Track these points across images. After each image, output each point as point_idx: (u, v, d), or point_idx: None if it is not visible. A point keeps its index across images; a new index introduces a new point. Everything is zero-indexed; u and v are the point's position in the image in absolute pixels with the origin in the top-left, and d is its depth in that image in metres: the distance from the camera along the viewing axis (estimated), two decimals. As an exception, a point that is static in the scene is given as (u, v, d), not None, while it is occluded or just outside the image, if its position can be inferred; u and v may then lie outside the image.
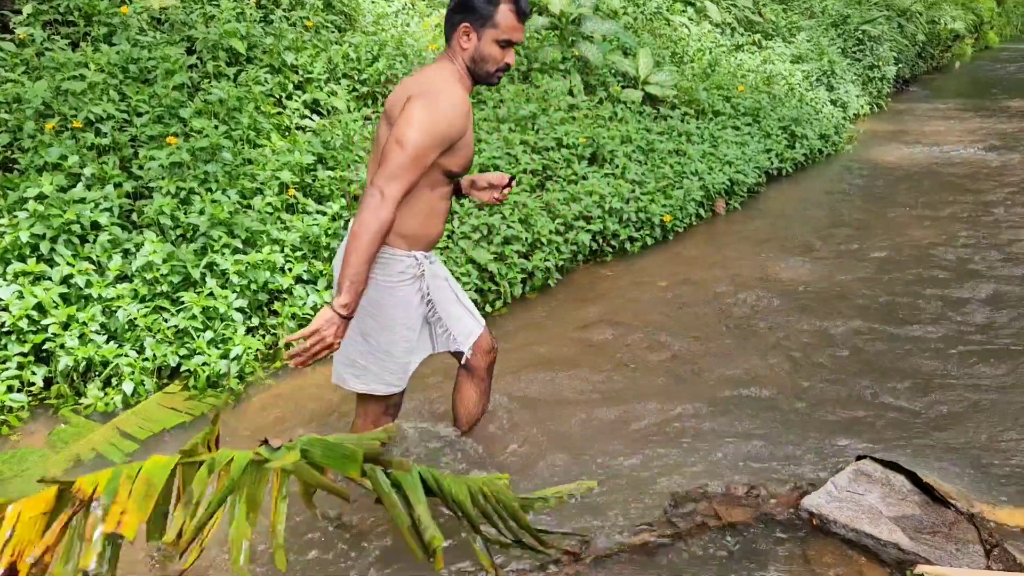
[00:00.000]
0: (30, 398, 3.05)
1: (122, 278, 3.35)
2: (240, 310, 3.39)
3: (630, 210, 4.99)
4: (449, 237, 4.08)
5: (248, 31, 4.72)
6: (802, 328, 3.95)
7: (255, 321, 3.46)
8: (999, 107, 10.55)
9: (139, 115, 4.00)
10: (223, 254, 3.46)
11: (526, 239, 4.32)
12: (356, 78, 5.14)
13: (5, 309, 3.09)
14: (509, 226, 4.26)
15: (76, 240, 3.31)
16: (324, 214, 3.93)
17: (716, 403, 3.25)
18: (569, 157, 5.17)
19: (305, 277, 3.68)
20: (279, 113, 4.57)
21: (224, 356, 3.23)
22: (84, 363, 3.09)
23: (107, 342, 3.16)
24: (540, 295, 4.34)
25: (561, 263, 4.49)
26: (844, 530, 2.38)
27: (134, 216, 3.60)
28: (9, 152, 3.71)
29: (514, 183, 2.55)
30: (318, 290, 3.61)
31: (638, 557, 2.34)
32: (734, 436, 3.01)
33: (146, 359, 3.16)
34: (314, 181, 4.11)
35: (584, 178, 5.08)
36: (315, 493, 2.02)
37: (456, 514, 2.14)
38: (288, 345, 3.35)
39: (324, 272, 3.71)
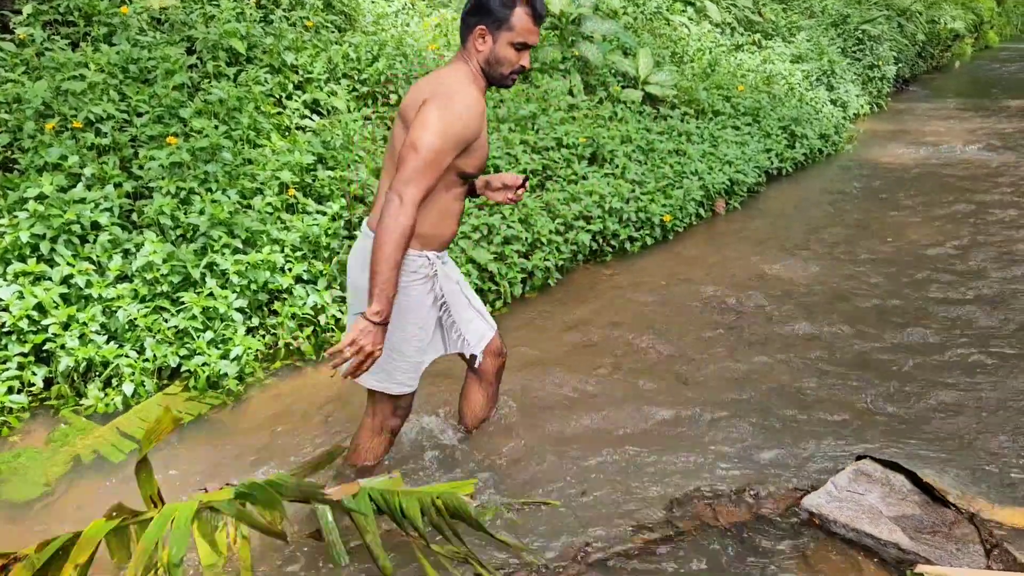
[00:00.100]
0: (30, 399, 3.05)
1: (122, 278, 3.35)
2: (240, 310, 3.39)
3: (630, 210, 4.99)
4: (449, 237, 4.08)
5: (248, 31, 4.72)
6: (802, 328, 3.95)
7: (255, 321, 3.46)
8: (999, 107, 10.55)
9: (139, 115, 4.00)
10: (223, 254, 3.46)
11: (526, 239, 4.32)
12: (356, 78, 5.14)
13: (5, 309, 3.09)
14: (509, 226, 4.26)
15: (76, 240, 3.31)
16: (324, 214, 3.93)
17: (716, 403, 3.25)
18: (569, 157, 5.17)
19: (305, 277, 3.68)
20: (279, 113, 4.57)
21: (224, 356, 3.23)
22: (84, 364, 3.09)
23: (107, 342, 3.16)
24: (540, 295, 4.34)
25: (561, 263, 4.49)
26: (844, 530, 2.38)
27: (134, 216, 3.60)
28: (9, 152, 3.71)
29: (527, 183, 2.55)
30: (318, 290, 3.61)
31: (638, 558, 2.34)
32: (734, 436, 3.01)
33: (146, 360, 3.16)
34: (314, 181, 4.12)
35: (584, 178, 5.09)
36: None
37: (405, 531, 2.14)
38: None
39: (324, 272, 3.71)
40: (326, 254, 3.82)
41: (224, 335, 3.28)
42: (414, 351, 2.42)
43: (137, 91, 4.03)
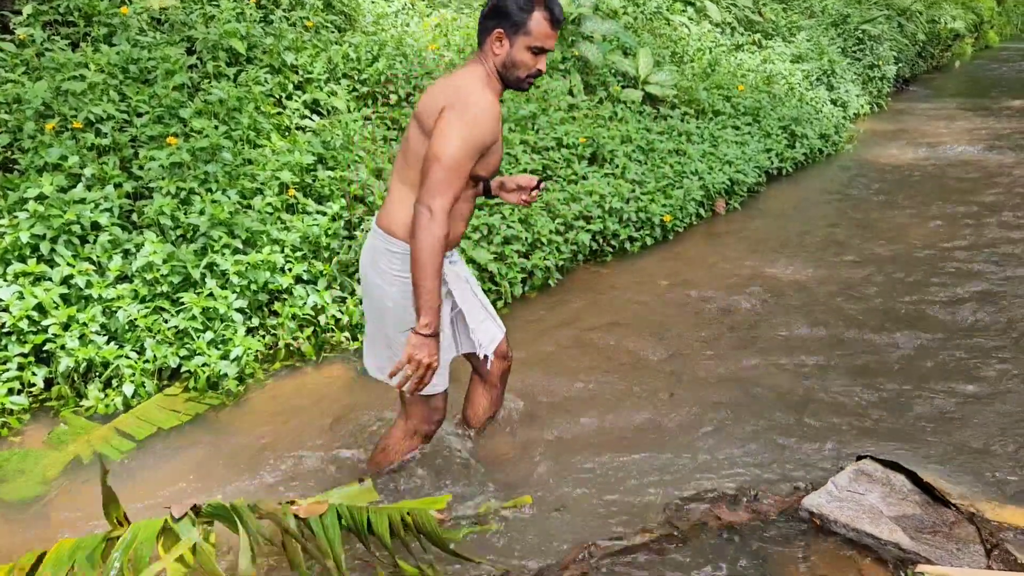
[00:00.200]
0: (31, 400, 3.05)
1: (122, 278, 3.35)
2: (240, 310, 3.39)
3: (630, 210, 4.99)
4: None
5: (248, 31, 4.72)
6: (802, 328, 3.95)
7: (255, 322, 3.46)
8: (999, 107, 10.54)
9: (139, 115, 4.00)
10: (223, 254, 3.46)
11: (526, 239, 4.32)
12: (356, 78, 5.13)
13: (5, 310, 3.09)
14: (509, 226, 4.26)
15: (76, 240, 3.31)
16: (324, 214, 3.93)
17: (716, 403, 3.25)
18: (569, 157, 5.17)
19: (305, 277, 3.68)
20: (279, 113, 4.57)
21: (224, 357, 3.23)
22: (84, 364, 3.09)
23: (107, 343, 3.16)
24: (540, 295, 4.34)
25: (561, 263, 4.49)
26: (845, 530, 2.38)
27: (134, 216, 3.60)
28: (9, 153, 3.71)
29: (543, 186, 2.56)
30: (318, 290, 3.61)
31: (639, 559, 2.34)
32: (734, 436, 3.01)
33: (146, 360, 3.16)
34: (314, 181, 4.11)
35: (584, 178, 5.08)
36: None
37: (368, 547, 2.13)
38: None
39: (324, 272, 3.71)
40: (326, 254, 3.82)
41: (224, 335, 3.28)
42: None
43: (137, 91, 4.03)
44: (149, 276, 3.29)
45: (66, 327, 3.12)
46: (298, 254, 3.71)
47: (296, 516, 2.06)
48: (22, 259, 3.22)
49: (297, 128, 4.60)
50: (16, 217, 3.24)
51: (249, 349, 3.26)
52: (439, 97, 2.21)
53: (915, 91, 11.98)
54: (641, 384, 3.41)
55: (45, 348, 3.08)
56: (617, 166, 5.34)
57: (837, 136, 7.92)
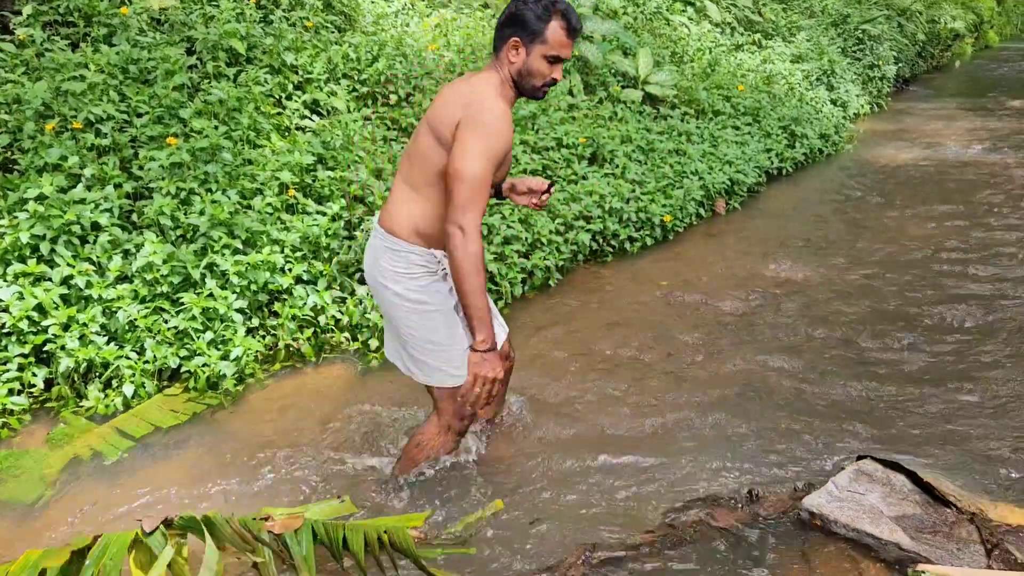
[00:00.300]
0: (31, 400, 3.05)
1: (122, 279, 3.35)
2: (240, 311, 3.39)
3: (630, 210, 4.99)
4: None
5: (248, 31, 4.72)
6: (802, 328, 3.95)
7: (255, 322, 3.46)
8: (999, 107, 10.54)
9: (139, 116, 4.00)
10: (223, 255, 3.46)
11: (526, 239, 4.32)
12: (356, 78, 5.13)
13: (5, 310, 3.09)
14: (509, 226, 4.26)
15: (76, 241, 3.31)
16: (324, 214, 3.93)
17: (716, 403, 3.25)
18: (569, 157, 5.17)
19: (305, 277, 3.68)
20: (279, 113, 4.57)
21: (224, 357, 3.23)
22: (84, 365, 3.09)
23: (107, 343, 3.15)
24: (540, 295, 4.33)
25: (561, 263, 4.48)
26: (845, 530, 2.38)
27: (134, 217, 3.60)
28: (9, 153, 3.71)
29: (553, 189, 2.57)
30: (318, 291, 3.61)
31: (639, 560, 2.34)
32: (734, 436, 3.01)
33: (146, 361, 3.16)
34: (314, 181, 4.11)
35: (584, 178, 5.08)
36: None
37: (341, 566, 2.12)
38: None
39: (324, 272, 3.71)
40: (326, 255, 3.82)
41: (224, 336, 3.28)
42: (449, 338, 2.38)
43: (137, 92, 4.03)
44: (149, 276, 3.29)
45: (66, 327, 3.12)
46: (298, 254, 3.71)
47: (270, 532, 2.05)
48: (22, 259, 3.22)
49: (297, 128, 4.60)
50: (16, 217, 3.24)
51: (249, 349, 3.26)
52: (454, 107, 2.20)
53: (915, 91, 11.98)
54: (641, 384, 3.41)
55: (45, 348, 3.08)
56: (617, 166, 5.34)
57: (837, 136, 7.92)
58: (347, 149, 4.38)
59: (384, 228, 2.35)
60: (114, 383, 3.13)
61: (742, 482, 2.72)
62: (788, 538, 2.41)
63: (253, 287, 3.44)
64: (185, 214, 3.55)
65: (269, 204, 3.81)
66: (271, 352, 3.51)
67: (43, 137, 3.61)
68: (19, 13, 4.39)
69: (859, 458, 2.68)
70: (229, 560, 2.09)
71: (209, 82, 4.39)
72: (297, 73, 4.90)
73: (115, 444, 2.90)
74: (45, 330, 3.08)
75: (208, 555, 1.89)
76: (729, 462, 2.84)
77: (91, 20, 4.47)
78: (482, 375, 2.23)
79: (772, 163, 6.75)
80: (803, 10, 10.86)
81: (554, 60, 2.24)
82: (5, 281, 3.13)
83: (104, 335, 3.16)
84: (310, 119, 4.71)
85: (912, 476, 2.56)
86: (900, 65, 11.40)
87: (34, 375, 3.05)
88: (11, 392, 2.99)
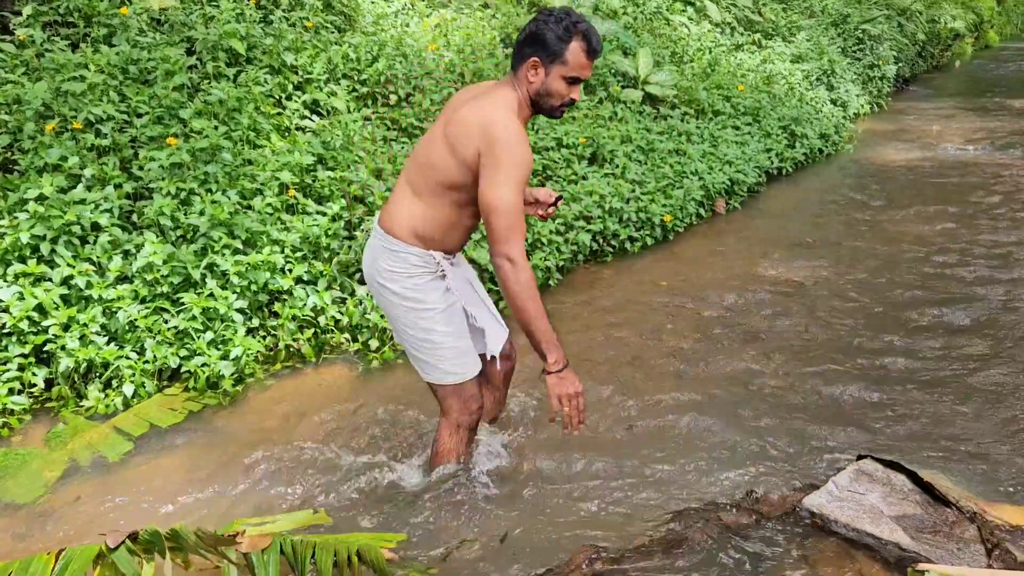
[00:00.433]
0: (31, 400, 3.05)
1: (122, 279, 3.35)
2: (240, 311, 3.39)
3: (630, 210, 4.99)
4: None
5: (248, 31, 4.72)
6: (802, 328, 3.95)
7: (255, 322, 3.46)
8: (999, 106, 10.54)
9: (139, 116, 4.00)
10: (223, 255, 3.46)
11: (526, 239, 4.32)
12: (356, 78, 5.14)
13: (6, 311, 3.09)
14: (509, 226, 4.25)
15: (76, 241, 3.31)
16: (324, 215, 3.93)
17: (716, 403, 3.25)
18: (569, 157, 5.17)
19: (305, 278, 3.68)
20: (279, 113, 4.57)
21: (224, 357, 3.23)
22: (85, 365, 3.09)
23: (108, 343, 3.16)
24: (540, 295, 4.32)
25: (561, 263, 4.48)
26: (845, 529, 2.38)
27: (134, 217, 3.60)
28: (9, 153, 3.71)
29: (560, 202, 2.57)
30: (318, 291, 3.61)
31: (639, 560, 2.33)
32: (734, 436, 3.01)
33: (147, 361, 3.16)
34: (314, 182, 4.11)
35: (584, 178, 5.08)
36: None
37: None
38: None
39: (324, 273, 3.70)
40: (326, 255, 3.82)
41: (224, 336, 3.28)
42: (445, 335, 2.39)
43: (137, 92, 4.03)
44: (149, 277, 3.29)
45: (66, 328, 3.12)
46: (298, 255, 3.71)
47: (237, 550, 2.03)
48: (22, 260, 3.22)
49: (297, 128, 4.60)
50: (16, 218, 3.24)
51: (249, 349, 3.26)
52: (473, 130, 2.17)
53: (915, 91, 11.98)
54: (640, 384, 3.41)
55: (45, 348, 3.08)
56: (617, 166, 5.34)
57: (837, 136, 7.92)
58: (347, 149, 4.38)
59: (383, 229, 2.36)
60: (114, 383, 3.13)
61: (742, 482, 2.72)
62: (788, 538, 2.40)
63: (253, 287, 3.44)
64: (185, 214, 3.55)
65: (269, 204, 3.81)
66: (271, 352, 3.51)
67: (43, 137, 3.61)
68: (19, 13, 4.39)
69: (859, 458, 2.68)
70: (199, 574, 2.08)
71: (209, 82, 4.40)
72: (297, 73, 4.90)
73: (114, 444, 2.90)
74: (45, 330, 3.09)
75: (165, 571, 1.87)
76: (729, 462, 2.84)
77: (91, 20, 4.47)
78: (565, 394, 2.23)
79: (772, 163, 6.75)
80: (803, 10, 10.86)
81: (573, 81, 2.23)
82: (5, 281, 3.13)
83: (104, 335, 3.17)
84: (310, 119, 4.71)
85: (912, 476, 2.56)
86: (900, 65, 11.40)
87: (34, 375, 3.05)
88: (11, 392, 3.00)
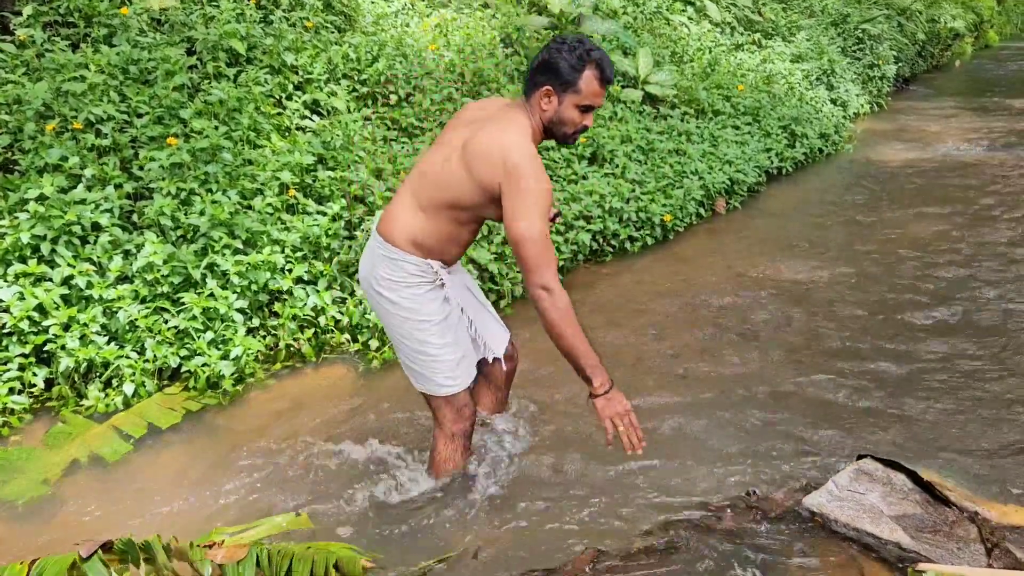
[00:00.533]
0: (31, 400, 3.05)
1: (123, 279, 3.35)
2: (240, 311, 3.39)
3: (630, 210, 4.99)
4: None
5: (248, 32, 4.72)
6: (802, 328, 3.95)
7: (255, 322, 3.46)
8: (999, 106, 10.54)
9: (139, 116, 4.00)
10: (224, 255, 3.46)
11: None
12: (356, 78, 5.14)
13: (6, 310, 3.09)
14: (509, 226, 4.26)
15: (77, 241, 3.31)
16: (324, 215, 3.93)
17: (716, 403, 3.25)
18: (569, 157, 5.17)
19: (306, 278, 3.69)
20: (279, 113, 4.57)
21: (224, 357, 3.23)
22: (85, 364, 3.09)
23: (108, 343, 3.16)
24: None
25: (561, 263, 4.49)
26: (845, 529, 2.38)
27: (135, 217, 3.60)
28: (9, 153, 3.71)
29: (558, 218, 2.57)
30: (318, 291, 3.61)
31: (639, 560, 2.34)
32: (734, 436, 3.01)
33: (147, 360, 3.16)
34: (314, 182, 4.12)
35: (584, 178, 5.09)
36: None
37: None
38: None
39: (324, 273, 3.71)
40: (326, 255, 3.82)
41: (224, 336, 3.29)
42: (439, 348, 2.39)
43: (137, 92, 4.04)
44: (149, 276, 3.30)
45: (67, 327, 3.12)
46: (298, 255, 3.71)
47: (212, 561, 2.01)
48: (23, 260, 3.22)
49: (297, 128, 4.61)
50: (17, 218, 3.24)
51: (249, 349, 3.26)
52: (494, 159, 2.15)
53: (915, 91, 11.98)
54: (640, 384, 3.41)
55: (46, 348, 3.09)
56: (617, 166, 5.34)
57: (837, 136, 7.92)
58: (347, 149, 4.38)
59: (382, 235, 2.34)
60: (114, 382, 3.13)
61: (742, 482, 2.72)
62: (788, 537, 2.41)
63: (254, 287, 3.44)
64: (185, 214, 3.55)
65: (269, 204, 3.81)
66: (272, 352, 3.51)
67: (43, 138, 3.62)
68: (19, 14, 4.39)
69: (859, 457, 2.68)
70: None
71: (209, 82, 4.40)
72: (297, 73, 4.90)
73: (113, 444, 2.90)
74: (46, 330, 3.09)
75: None
76: (729, 462, 2.84)
77: (91, 21, 4.47)
78: (615, 415, 2.22)
79: (772, 163, 6.75)
80: (803, 10, 10.85)
81: (586, 109, 2.23)
82: (6, 281, 3.14)
83: (104, 335, 3.17)
84: (310, 119, 4.71)
85: (912, 475, 2.56)
86: (900, 65, 11.39)
87: (35, 375, 3.06)
88: (12, 391, 3.00)
